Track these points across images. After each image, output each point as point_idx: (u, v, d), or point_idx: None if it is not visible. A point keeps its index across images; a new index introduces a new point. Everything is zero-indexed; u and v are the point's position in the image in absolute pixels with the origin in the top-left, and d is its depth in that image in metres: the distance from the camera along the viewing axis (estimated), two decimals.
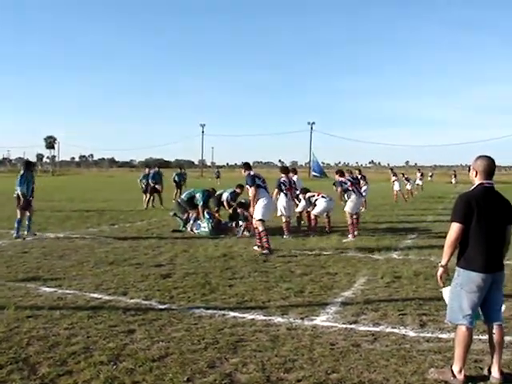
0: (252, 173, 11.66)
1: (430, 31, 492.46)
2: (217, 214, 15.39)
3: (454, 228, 4.61)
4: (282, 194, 13.85)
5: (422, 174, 44.90)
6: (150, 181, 22.56)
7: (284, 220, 13.95)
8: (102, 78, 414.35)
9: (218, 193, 16.17)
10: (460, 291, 4.64)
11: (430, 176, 59.37)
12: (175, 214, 15.87)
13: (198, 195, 15.05)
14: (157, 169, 23.72)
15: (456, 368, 4.64)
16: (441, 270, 4.79)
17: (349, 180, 14.63)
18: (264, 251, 11.10)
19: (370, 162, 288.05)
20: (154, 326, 6.07)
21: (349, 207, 14.25)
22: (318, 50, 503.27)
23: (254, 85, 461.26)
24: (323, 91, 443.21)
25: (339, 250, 11.72)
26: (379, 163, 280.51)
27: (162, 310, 6.81)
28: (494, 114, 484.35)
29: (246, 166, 11.91)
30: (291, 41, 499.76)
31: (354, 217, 14.34)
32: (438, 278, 4.84)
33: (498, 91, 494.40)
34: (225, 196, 15.83)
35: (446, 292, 4.96)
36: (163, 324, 6.17)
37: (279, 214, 14.03)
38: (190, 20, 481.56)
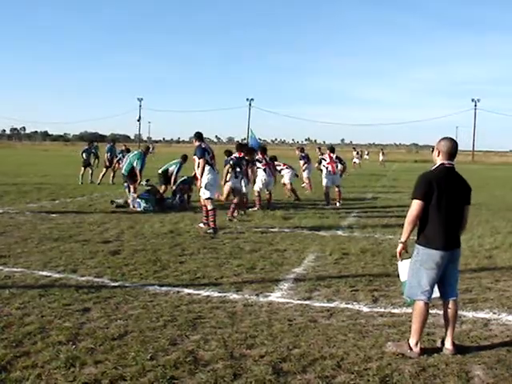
0: (203, 145, 11.27)
1: (369, 13, 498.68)
2: (162, 190, 15.28)
3: (415, 205, 4.71)
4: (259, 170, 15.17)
5: (357, 153, 45.86)
6: (107, 155, 22.57)
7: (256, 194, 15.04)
8: (33, 48, 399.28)
9: (163, 168, 16.00)
10: (419, 268, 4.76)
11: (367, 154, 60.53)
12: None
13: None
14: (112, 143, 23.82)
15: (413, 341, 4.79)
16: (400, 246, 4.90)
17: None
18: (209, 230, 10.96)
19: (306, 139, 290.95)
20: (110, 304, 5.96)
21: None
22: (256, 29, 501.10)
23: (192, 59, 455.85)
24: (261, 68, 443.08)
25: (285, 227, 11.82)
26: (315, 140, 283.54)
27: (115, 287, 6.69)
28: (428, 97, 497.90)
29: (198, 136, 11.32)
30: (231, 14, 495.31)
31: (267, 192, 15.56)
32: (398, 254, 4.95)
33: (432, 74, 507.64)
34: (171, 169, 15.76)
35: (402, 266, 5.09)
36: (118, 302, 6.06)
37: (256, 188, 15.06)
38: None
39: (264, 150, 15.94)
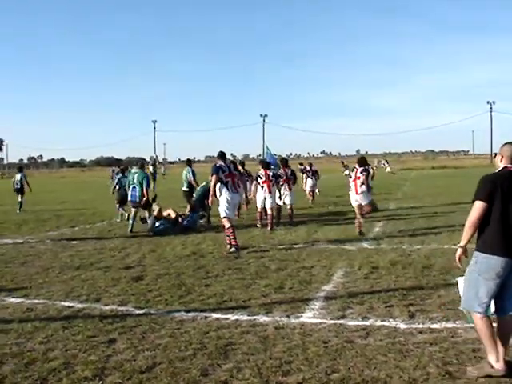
0: (218, 163, 11.07)
1: (375, 22, 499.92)
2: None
3: (477, 206, 4.42)
4: (258, 186, 14.77)
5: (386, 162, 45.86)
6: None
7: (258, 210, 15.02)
8: (47, 80, 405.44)
9: (185, 184, 16.39)
10: (477, 278, 4.44)
11: (387, 164, 60.10)
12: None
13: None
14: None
15: (492, 358, 4.44)
16: (460, 250, 4.59)
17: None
18: (231, 249, 10.73)
19: (321, 152, 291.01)
20: (136, 334, 5.72)
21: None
22: (263, 44, 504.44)
23: (202, 78, 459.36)
24: (274, 83, 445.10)
25: (309, 243, 11.55)
26: (330, 153, 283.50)
27: (140, 315, 6.46)
28: (441, 102, 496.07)
29: (220, 155, 11.36)
30: (238, 36, 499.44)
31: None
32: (457, 259, 4.64)
33: (444, 79, 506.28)
34: (189, 178, 16.38)
35: (461, 282, 4.77)
36: (144, 331, 5.83)
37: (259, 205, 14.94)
38: (134, 16, 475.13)
39: (286, 163, 16.44)
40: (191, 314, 6.43)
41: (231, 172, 11.19)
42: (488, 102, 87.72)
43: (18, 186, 22.08)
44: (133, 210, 14.37)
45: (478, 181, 4.56)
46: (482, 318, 4.44)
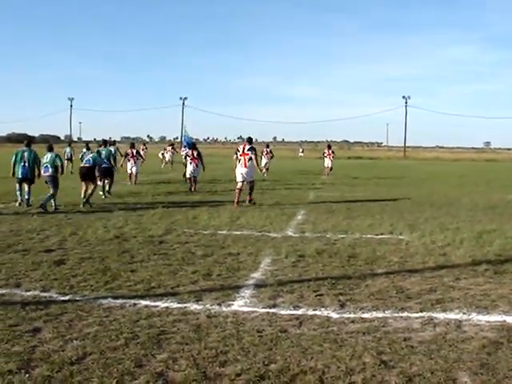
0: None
1: (289, 13, 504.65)
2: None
3: None
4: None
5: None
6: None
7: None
8: None
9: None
10: None
11: (301, 152, 61.04)
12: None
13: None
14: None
15: None
16: None
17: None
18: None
19: (238, 138, 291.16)
20: (62, 322, 5.42)
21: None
22: (185, 24, 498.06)
23: (123, 58, 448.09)
24: (193, 67, 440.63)
25: (233, 229, 11.47)
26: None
27: (65, 301, 6.14)
28: (359, 94, 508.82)
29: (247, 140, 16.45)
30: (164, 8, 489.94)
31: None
32: None
33: (362, 72, 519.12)
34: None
35: None
36: (71, 319, 5.54)
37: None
38: None
39: (194, 146, 21.56)
40: (119, 301, 6.20)
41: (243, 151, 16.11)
42: (404, 97, 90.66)
43: None
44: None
45: None
46: None
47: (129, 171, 23.65)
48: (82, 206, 14.91)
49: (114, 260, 8.30)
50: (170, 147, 39.90)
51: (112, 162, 18.39)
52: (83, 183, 15.58)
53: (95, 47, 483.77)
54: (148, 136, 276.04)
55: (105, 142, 19.18)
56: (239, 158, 16.20)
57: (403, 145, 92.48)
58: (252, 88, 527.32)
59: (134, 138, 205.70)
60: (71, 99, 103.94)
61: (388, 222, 12.46)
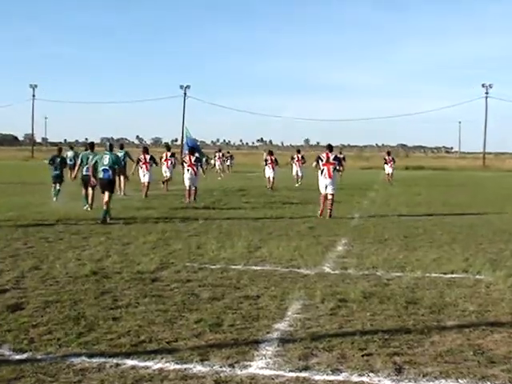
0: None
1: None
2: None
3: None
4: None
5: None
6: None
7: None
8: None
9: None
10: None
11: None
12: None
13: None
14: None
15: None
16: None
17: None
18: None
19: (258, 140, 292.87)
20: None
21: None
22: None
23: (109, 33, 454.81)
24: (199, 47, 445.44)
25: (252, 262, 11.49)
26: (270, 142, 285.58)
27: (21, 361, 6.15)
28: (413, 82, 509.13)
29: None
30: None
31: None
32: None
33: (419, 55, 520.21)
34: None
35: None
36: None
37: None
38: None
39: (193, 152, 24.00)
40: (96, 360, 6.20)
41: None
42: (483, 85, 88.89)
43: None
44: None
45: None
46: None
47: (142, 180, 26.14)
48: (102, 220, 16.88)
49: (91, 304, 8.36)
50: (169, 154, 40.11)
51: (117, 170, 18.99)
52: (102, 194, 17.69)
53: (68, 17, 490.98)
54: (137, 137, 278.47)
55: (110, 146, 19.20)
56: (321, 167, 18.77)
57: (482, 150, 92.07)
58: (277, 74, 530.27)
59: (118, 140, 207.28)
60: (34, 86, 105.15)
61: (461, 255, 12.39)
